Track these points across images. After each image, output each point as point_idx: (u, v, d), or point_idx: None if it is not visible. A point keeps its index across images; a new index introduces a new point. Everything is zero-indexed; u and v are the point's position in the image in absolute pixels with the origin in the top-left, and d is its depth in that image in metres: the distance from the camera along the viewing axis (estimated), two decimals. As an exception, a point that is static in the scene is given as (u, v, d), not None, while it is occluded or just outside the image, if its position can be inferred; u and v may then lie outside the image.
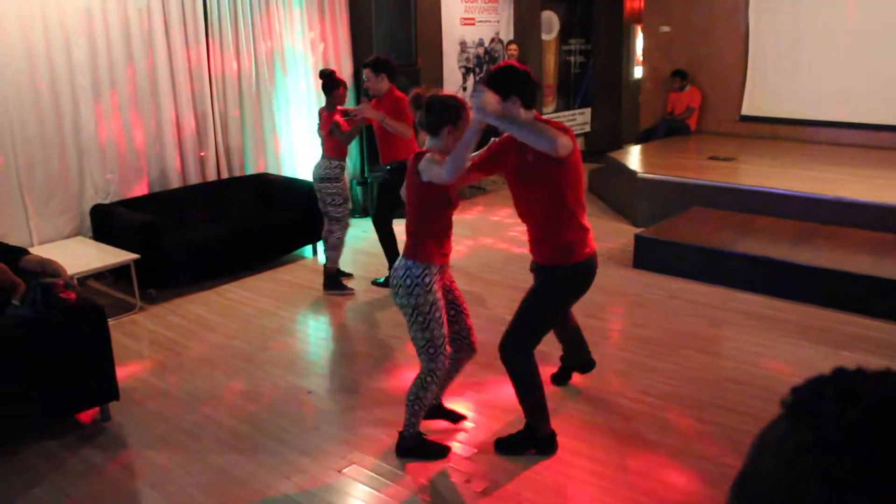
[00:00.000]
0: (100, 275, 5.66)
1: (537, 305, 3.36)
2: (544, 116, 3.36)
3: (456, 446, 3.55)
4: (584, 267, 3.31)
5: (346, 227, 5.70)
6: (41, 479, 3.36)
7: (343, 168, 5.64)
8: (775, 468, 0.51)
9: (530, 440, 3.46)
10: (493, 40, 9.42)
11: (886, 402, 0.49)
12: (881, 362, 0.54)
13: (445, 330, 3.25)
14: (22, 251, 4.23)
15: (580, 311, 3.81)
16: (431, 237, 3.22)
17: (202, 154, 6.62)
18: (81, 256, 5.25)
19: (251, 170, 7.02)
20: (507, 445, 3.48)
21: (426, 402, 3.36)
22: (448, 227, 3.29)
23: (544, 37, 10.43)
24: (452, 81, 8.88)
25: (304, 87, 7.37)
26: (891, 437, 0.47)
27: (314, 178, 5.65)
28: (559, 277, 3.33)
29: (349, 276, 6.00)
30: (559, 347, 4.02)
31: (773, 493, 0.50)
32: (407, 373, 4.31)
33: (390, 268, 5.60)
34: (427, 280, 3.17)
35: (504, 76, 3.14)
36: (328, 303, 5.60)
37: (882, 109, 8.07)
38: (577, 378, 4.15)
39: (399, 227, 4.19)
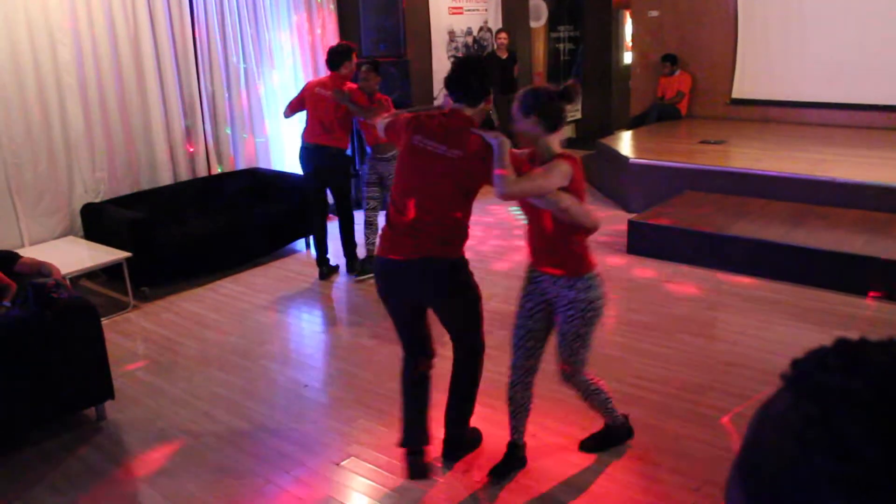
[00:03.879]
0: (92, 274, 5.63)
1: None
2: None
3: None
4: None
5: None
6: (39, 479, 3.35)
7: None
8: (780, 442, 0.50)
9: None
10: (481, 29, 9.38)
11: (892, 371, 0.48)
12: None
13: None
14: (15, 255, 4.22)
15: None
16: None
17: (191, 149, 6.58)
18: (73, 256, 5.22)
19: (242, 164, 6.99)
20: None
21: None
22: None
23: (533, 24, 10.39)
24: (442, 72, 8.83)
25: (291, 80, 7.33)
26: None
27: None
28: None
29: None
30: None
31: (779, 468, 0.49)
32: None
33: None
34: None
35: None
36: (322, 296, 5.59)
37: (872, 89, 8.07)
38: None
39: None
